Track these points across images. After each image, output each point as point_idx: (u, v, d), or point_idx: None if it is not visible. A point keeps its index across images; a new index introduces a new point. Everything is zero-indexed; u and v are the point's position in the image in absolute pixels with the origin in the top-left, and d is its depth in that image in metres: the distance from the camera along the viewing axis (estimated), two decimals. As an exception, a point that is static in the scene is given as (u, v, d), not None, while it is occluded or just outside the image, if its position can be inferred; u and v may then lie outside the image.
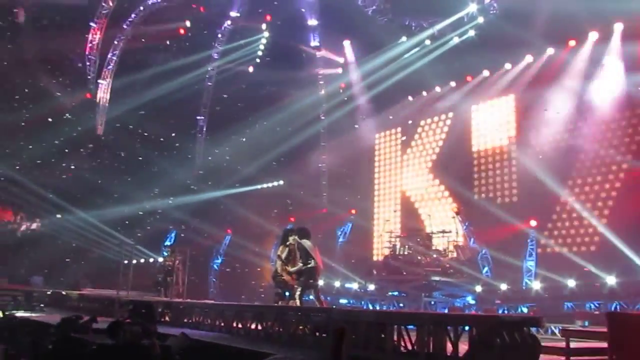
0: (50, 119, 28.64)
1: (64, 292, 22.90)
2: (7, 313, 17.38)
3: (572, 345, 8.10)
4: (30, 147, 28.33)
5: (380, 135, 30.16)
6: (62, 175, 29.45)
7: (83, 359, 9.83)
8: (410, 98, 27.95)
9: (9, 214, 29.03)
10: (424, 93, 27.52)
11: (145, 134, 29.88)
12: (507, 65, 24.26)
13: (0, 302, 19.46)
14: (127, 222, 29.37)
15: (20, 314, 17.23)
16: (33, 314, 17.08)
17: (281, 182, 31.57)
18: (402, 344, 7.34)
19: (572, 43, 22.06)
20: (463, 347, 6.80)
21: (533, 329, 7.55)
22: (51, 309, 18.85)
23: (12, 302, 19.75)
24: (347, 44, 28.90)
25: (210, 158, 31.76)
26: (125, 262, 22.93)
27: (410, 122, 28.39)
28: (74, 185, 29.46)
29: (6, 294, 21.26)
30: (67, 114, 29.10)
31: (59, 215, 28.45)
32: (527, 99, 23.38)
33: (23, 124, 28.13)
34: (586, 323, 14.79)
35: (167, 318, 14.27)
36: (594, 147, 21.21)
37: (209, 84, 31.48)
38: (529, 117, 23.27)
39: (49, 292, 23.05)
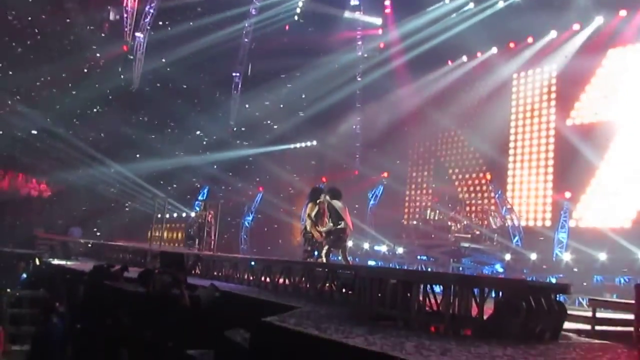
0: (86, 71, 28.95)
1: (98, 243, 23.47)
2: (43, 260, 17.97)
3: (599, 315, 8.05)
4: (67, 99, 28.72)
5: (417, 99, 29.75)
6: (98, 127, 29.85)
7: (114, 305, 10.14)
8: (449, 63, 27.44)
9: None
10: (464, 58, 26.96)
11: (181, 89, 30.01)
12: (553, 33, 23.61)
13: (37, 251, 20.09)
14: (160, 177, 29.79)
15: (56, 262, 17.74)
16: (68, 263, 17.55)
17: (314, 143, 31.56)
18: (428, 304, 7.36)
19: (622, 13, 21.36)
20: (489, 311, 6.80)
21: (560, 297, 7.51)
22: (86, 259, 19.32)
23: (49, 251, 20.31)
24: (387, 4, 28.40)
25: (245, 115, 31.80)
26: (159, 215, 23.30)
27: (449, 87, 27.88)
28: (109, 138, 29.90)
29: (43, 243, 21.87)
30: (103, 67, 29.34)
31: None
32: (571, 68, 22.80)
33: (61, 75, 28.48)
34: (615, 296, 14.66)
35: (197, 271, 14.51)
36: (634, 121, 20.69)
37: (246, 40, 31.31)
38: (571, 87, 22.74)
39: (84, 242, 23.63)
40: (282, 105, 30.83)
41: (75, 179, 29.15)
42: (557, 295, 7.11)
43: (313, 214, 12.76)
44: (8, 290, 14.66)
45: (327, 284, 9.82)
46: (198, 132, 30.51)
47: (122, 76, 29.41)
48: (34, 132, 27.88)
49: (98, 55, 29.18)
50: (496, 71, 25.40)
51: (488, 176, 24.19)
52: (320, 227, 12.61)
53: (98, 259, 18.92)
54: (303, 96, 29.74)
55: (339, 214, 12.30)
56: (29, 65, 27.64)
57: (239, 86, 32.00)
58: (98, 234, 27.60)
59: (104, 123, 29.79)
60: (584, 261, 18.90)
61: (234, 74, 31.87)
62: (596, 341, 6.82)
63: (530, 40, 24.37)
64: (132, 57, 29.22)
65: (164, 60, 29.03)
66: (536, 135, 24.09)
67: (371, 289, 7.81)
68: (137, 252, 18.67)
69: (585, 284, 17.64)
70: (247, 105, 31.49)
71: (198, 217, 21.57)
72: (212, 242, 20.73)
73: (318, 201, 12.68)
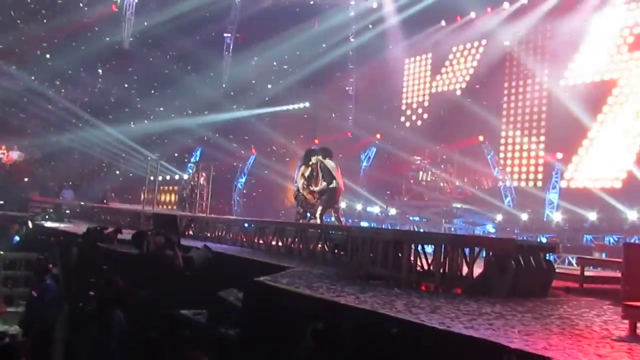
0: (76, 32, 28.51)
1: (91, 205, 23.46)
2: (36, 223, 17.98)
3: (587, 273, 8.16)
4: (56, 59, 28.37)
5: (410, 60, 29.51)
6: (88, 88, 29.55)
7: (108, 266, 10.20)
8: (443, 23, 27.11)
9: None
10: (458, 18, 26.64)
11: (172, 50, 29.63)
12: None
13: (30, 214, 20.09)
14: (153, 139, 29.67)
15: (49, 224, 17.76)
16: (61, 225, 17.56)
17: (307, 104, 31.36)
18: (419, 263, 7.45)
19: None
20: (479, 270, 6.89)
21: (550, 257, 7.61)
22: (79, 221, 19.35)
23: (42, 213, 20.31)
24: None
25: (237, 77, 31.46)
26: (151, 178, 23.30)
27: (442, 48, 27.56)
28: (100, 100, 29.66)
29: (36, 206, 21.89)
30: (93, 27, 28.90)
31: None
32: (566, 27, 22.54)
33: (49, 35, 28.07)
34: (604, 255, 14.82)
35: (190, 232, 14.58)
36: (630, 81, 20.60)
37: (237, 0, 30.77)
38: (565, 47, 22.54)
39: (77, 205, 23.64)
40: (274, 67, 30.51)
41: (66, 141, 29.00)
42: (547, 255, 7.22)
43: (306, 175, 12.81)
44: (1, 252, 14.70)
45: (320, 245, 9.91)
46: (190, 94, 30.19)
47: (112, 36, 28.97)
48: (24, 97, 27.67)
49: (87, 15, 28.68)
50: (490, 31, 25.11)
51: (480, 137, 24.17)
52: (313, 187, 12.68)
53: (91, 221, 18.95)
54: (296, 57, 29.37)
55: (331, 174, 12.35)
56: (18, 26, 27.24)
57: (231, 47, 31.57)
58: (90, 194, 27.45)
59: (95, 84, 29.52)
60: (574, 221, 19.08)
61: (225, 35, 31.40)
62: (584, 298, 6.94)
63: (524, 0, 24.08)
64: (122, 17, 28.74)
65: (154, 20, 28.50)
66: (529, 96, 23.95)
67: (363, 249, 7.90)
68: (130, 214, 18.72)
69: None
70: (239, 67, 31.09)
71: (191, 179, 21.59)
72: (205, 204, 20.81)
73: (310, 163, 12.71)
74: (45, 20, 27.55)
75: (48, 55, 28.28)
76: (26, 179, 28.00)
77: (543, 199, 20.95)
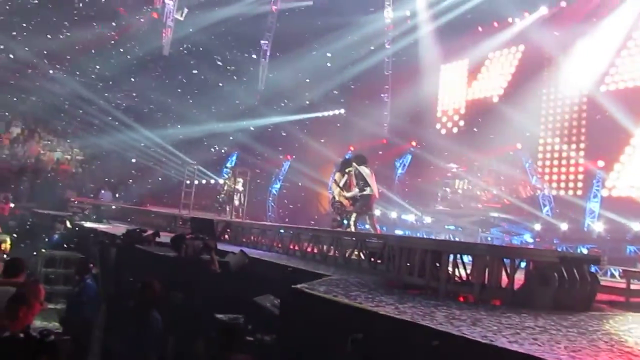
0: (117, 38, 29.08)
1: (129, 207, 23.79)
2: (75, 223, 18.28)
3: (633, 287, 7.93)
4: (97, 65, 28.97)
5: (446, 66, 29.27)
6: (128, 94, 30.09)
7: (146, 268, 10.31)
8: (479, 28, 26.82)
9: None
10: (495, 24, 26.31)
11: (210, 55, 29.94)
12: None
13: (69, 214, 20.46)
14: (189, 143, 30.03)
15: (88, 224, 18.04)
16: (100, 226, 17.82)
17: (342, 111, 31.34)
18: (457, 274, 7.33)
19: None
20: (519, 281, 6.75)
21: (592, 268, 7.40)
22: (117, 222, 19.62)
23: (80, 214, 20.64)
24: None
25: (273, 82, 31.65)
26: (187, 182, 23.59)
27: (478, 53, 27.23)
28: (140, 105, 30.16)
29: (75, 206, 22.28)
30: (134, 34, 29.44)
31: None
32: (605, 32, 22.03)
33: (93, 41, 28.67)
34: (648, 267, 14.44)
35: (226, 237, 14.66)
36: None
37: (274, 7, 30.96)
38: (605, 52, 22.02)
39: (115, 207, 24.00)
40: (310, 73, 30.53)
41: (106, 144, 29.55)
42: (590, 266, 7.02)
43: (341, 182, 12.80)
44: (43, 250, 15.04)
45: (356, 253, 9.84)
46: (227, 100, 30.49)
47: (152, 43, 29.47)
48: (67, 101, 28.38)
49: (128, 21, 29.27)
50: (528, 36, 24.69)
51: (518, 145, 23.81)
52: (346, 193, 12.68)
53: (128, 222, 19.21)
54: (331, 64, 29.39)
55: (365, 180, 12.33)
56: (63, 32, 27.93)
57: (267, 53, 31.77)
58: (127, 196, 27.91)
59: (134, 89, 30.03)
60: (616, 231, 18.61)
61: (262, 42, 31.58)
62: (630, 313, 6.73)
63: (563, 4, 23.66)
64: (162, 24, 29.24)
65: (193, 27, 28.95)
66: (568, 102, 23.51)
67: (400, 258, 7.80)
68: (167, 217, 18.93)
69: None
70: (275, 74, 31.24)
71: (227, 184, 21.74)
72: (240, 210, 20.93)
73: (347, 170, 12.70)
74: (86, 25, 28.13)
75: (88, 60, 28.88)
76: (65, 180, 28.58)
77: (583, 208, 20.50)
